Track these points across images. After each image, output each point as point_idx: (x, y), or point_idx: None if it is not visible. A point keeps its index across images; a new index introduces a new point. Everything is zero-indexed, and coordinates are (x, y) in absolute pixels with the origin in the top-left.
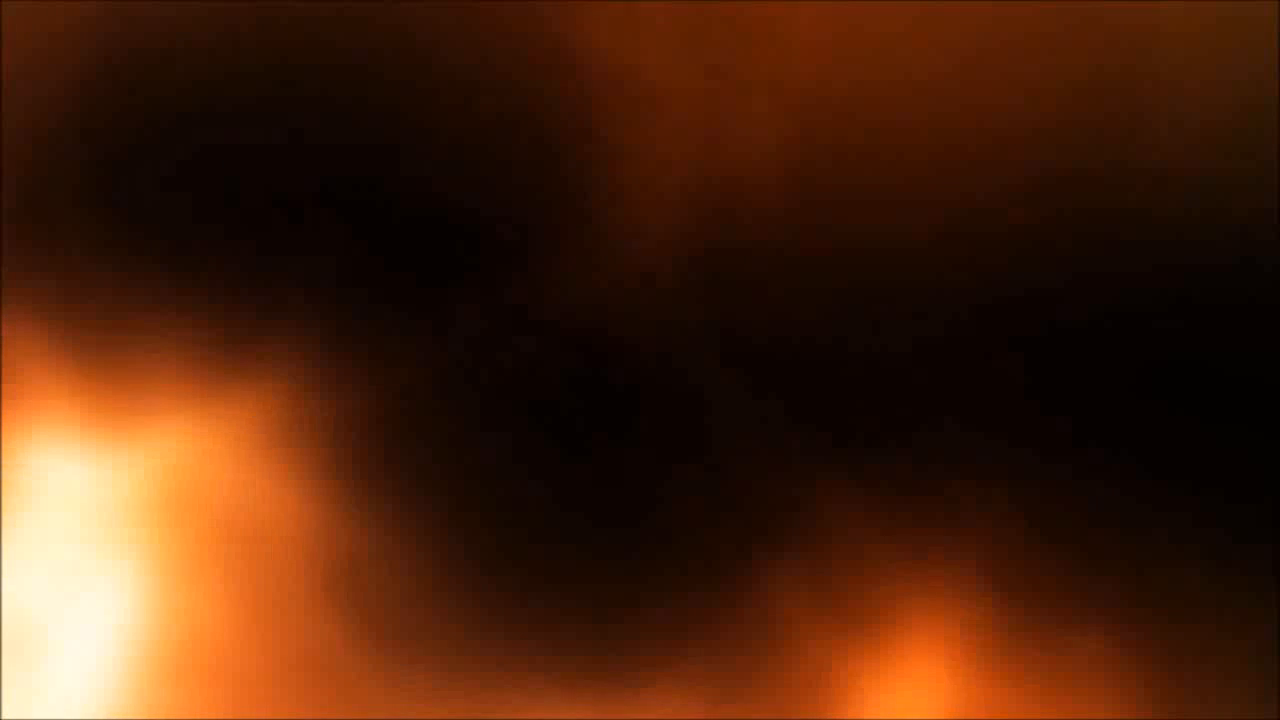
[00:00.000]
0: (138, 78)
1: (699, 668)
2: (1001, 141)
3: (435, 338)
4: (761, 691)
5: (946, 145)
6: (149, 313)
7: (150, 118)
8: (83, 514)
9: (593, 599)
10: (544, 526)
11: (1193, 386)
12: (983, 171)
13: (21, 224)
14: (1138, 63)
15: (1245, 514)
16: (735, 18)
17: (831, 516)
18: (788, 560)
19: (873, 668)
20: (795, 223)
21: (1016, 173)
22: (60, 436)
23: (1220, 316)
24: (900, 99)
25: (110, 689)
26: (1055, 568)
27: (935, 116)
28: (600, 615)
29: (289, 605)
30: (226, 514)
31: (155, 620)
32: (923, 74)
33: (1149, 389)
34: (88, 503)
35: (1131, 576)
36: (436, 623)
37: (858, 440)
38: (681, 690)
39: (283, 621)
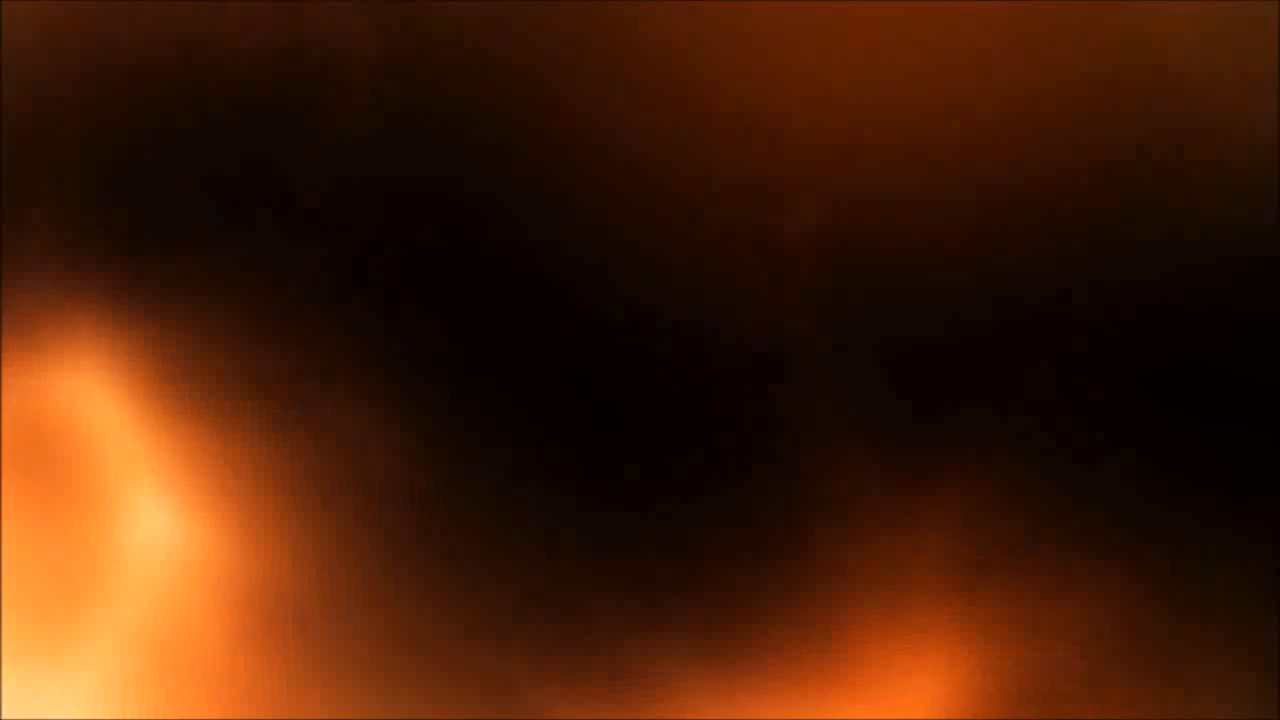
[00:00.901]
0: (136, 76)
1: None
2: (1024, 142)
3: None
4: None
5: (969, 146)
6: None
7: (150, 115)
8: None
9: (658, 534)
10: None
11: (1203, 384)
12: (1006, 171)
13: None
14: (1153, 63)
15: (1249, 510)
16: (774, 19)
17: (861, 495)
18: (822, 520)
19: (886, 623)
20: (832, 221)
21: (1039, 171)
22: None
23: (1233, 316)
24: (921, 100)
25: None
26: (1059, 561)
27: (957, 118)
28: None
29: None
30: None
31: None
32: (946, 76)
33: (1161, 385)
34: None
35: (1134, 563)
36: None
37: (886, 422)
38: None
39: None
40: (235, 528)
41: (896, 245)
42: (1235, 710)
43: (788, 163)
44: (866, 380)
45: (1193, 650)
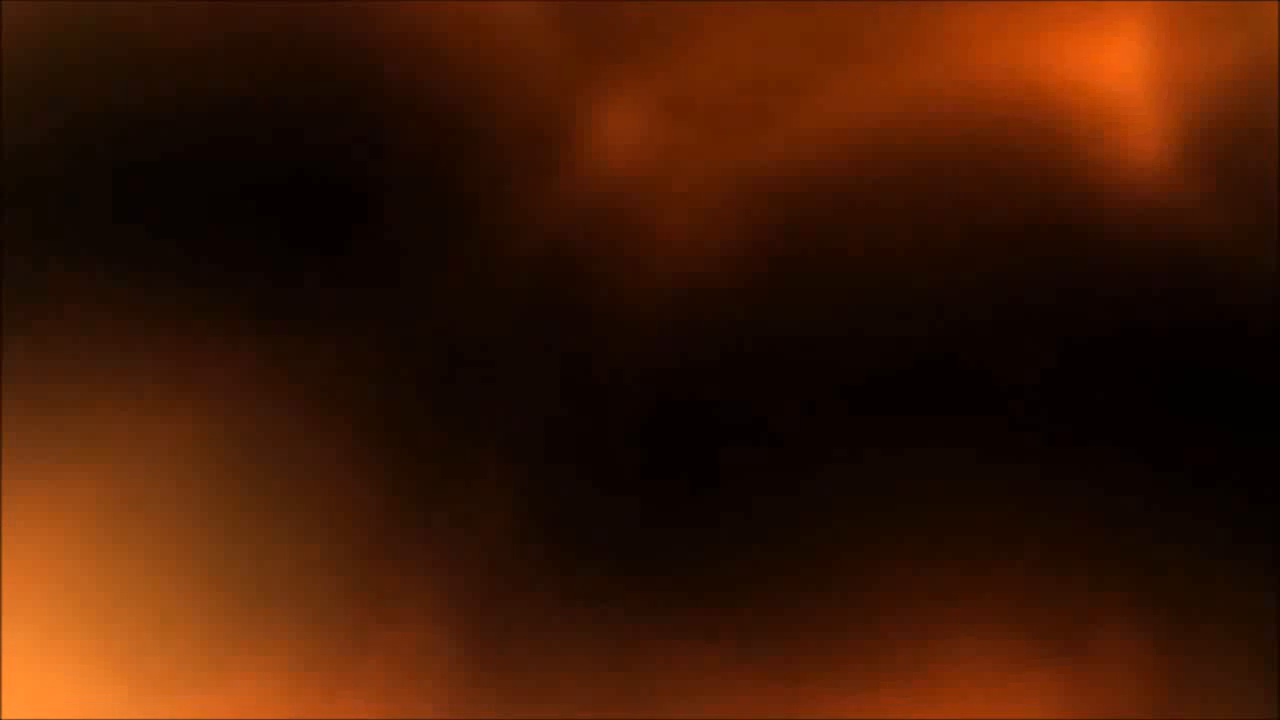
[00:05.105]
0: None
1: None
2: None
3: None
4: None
5: (975, 150)
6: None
7: (138, 115)
8: None
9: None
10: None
11: (1203, 389)
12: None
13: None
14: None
15: (1248, 514)
16: (782, 27)
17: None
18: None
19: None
20: (829, 225)
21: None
22: None
23: (1232, 321)
24: (930, 105)
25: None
26: (1063, 564)
27: (960, 122)
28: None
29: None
30: None
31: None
32: (947, 81)
33: (1159, 391)
34: None
35: (1129, 570)
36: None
37: (878, 433)
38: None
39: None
40: None
41: (914, 251)
42: (1235, 710)
43: (817, 172)
44: (866, 383)
45: (1195, 650)
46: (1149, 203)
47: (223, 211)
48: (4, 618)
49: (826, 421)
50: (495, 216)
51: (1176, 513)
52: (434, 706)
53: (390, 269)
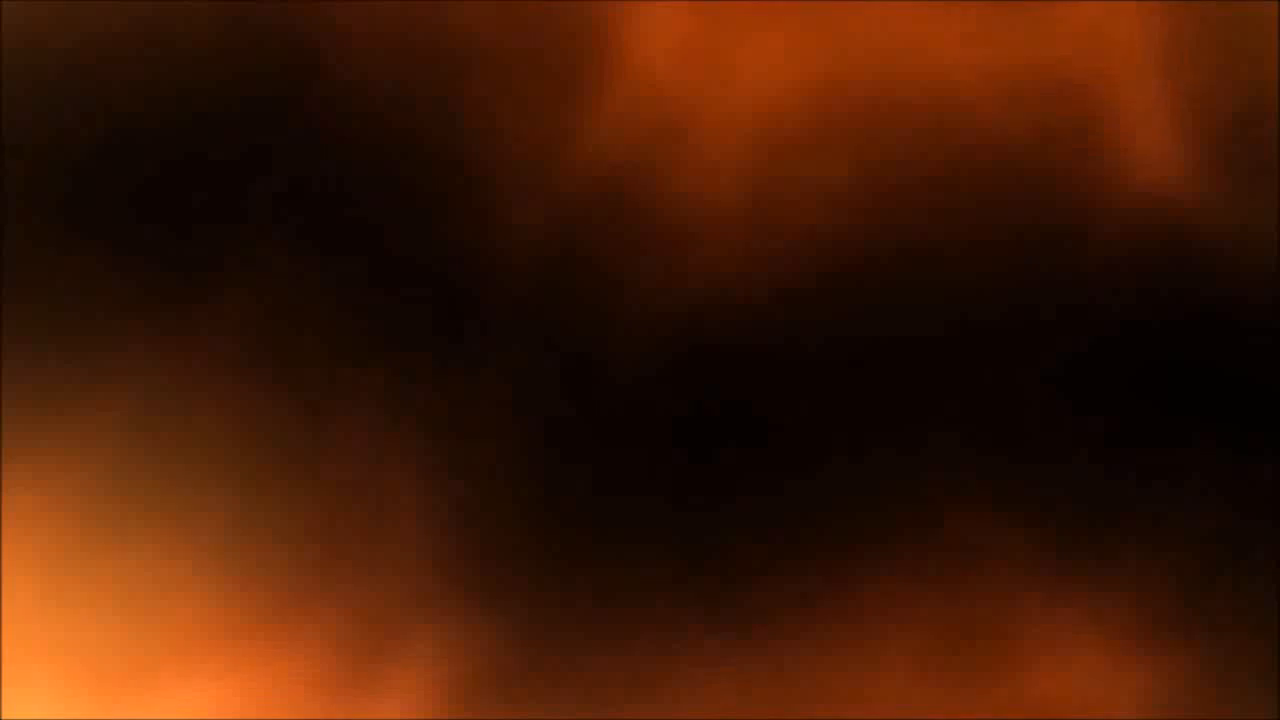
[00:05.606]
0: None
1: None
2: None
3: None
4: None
5: (976, 148)
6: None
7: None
8: None
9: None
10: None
11: (1203, 389)
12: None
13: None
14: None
15: (1248, 514)
16: (797, 20)
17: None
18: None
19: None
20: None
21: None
22: None
23: (1232, 321)
24: (935, 99)
25: None
26: (1063, 560)
27: (964, 120)
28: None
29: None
30: None
31: None
32: (954, 74)
33: (1159, 391)
34: None
35: (1129, 570)
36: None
37: (890, 431)
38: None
39: None
40: None
41: (925, 251)
42: (1237, 710)
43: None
44: (881, 379)
45: (1194, 650)
46: (1149, 203)
47: (220, 211)
48: (3, 617)
49: (826, 421)
50: (493, 219)
51: (1177, 512)
52: (433, 708)
53: (391, 267)
